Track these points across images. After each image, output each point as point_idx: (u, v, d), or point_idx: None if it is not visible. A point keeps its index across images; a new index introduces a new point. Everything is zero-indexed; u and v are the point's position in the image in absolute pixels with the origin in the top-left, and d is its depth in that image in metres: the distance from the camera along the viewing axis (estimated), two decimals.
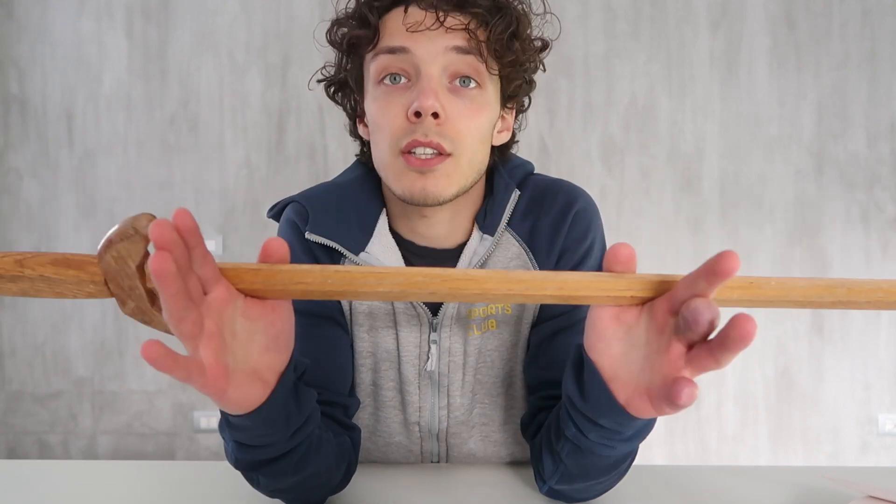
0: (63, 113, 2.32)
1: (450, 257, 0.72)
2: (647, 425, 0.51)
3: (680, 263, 2.31)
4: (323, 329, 0.70)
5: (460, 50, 0.62)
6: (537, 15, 0.70)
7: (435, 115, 0.61)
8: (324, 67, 0.74)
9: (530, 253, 0.73)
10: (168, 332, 0.41)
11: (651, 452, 2.29)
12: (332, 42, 0.69)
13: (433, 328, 0.72)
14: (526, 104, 0.76)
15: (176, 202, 2.31)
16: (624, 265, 0.42)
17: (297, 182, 2.30)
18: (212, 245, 2.30)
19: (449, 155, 0.63)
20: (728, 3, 2.30)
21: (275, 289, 0.41)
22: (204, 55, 2.31)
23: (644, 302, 0.42)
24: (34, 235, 2.32)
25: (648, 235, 2.31)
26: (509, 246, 0.73)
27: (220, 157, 2.32)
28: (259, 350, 0.43)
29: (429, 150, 0.62)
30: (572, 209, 0.73)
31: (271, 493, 0.59)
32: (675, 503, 0.66)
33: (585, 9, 2.29)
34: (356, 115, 0.75)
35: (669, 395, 0.37)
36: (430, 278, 0.40)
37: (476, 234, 0.72)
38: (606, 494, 0.66)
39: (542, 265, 0.72)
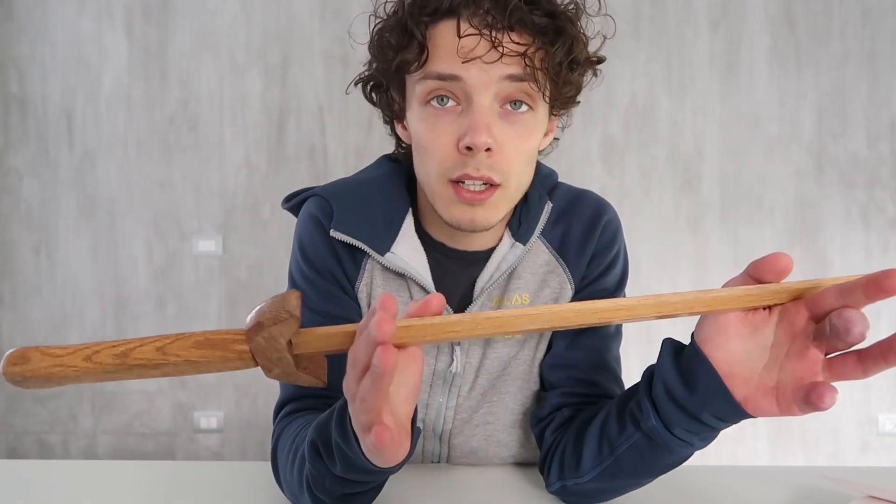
0: (63, 113, 2.32)
1: (478, 261, 0.72)
2: (717, 430, 0.50)
3: (680, 263, 2.31)
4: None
5: (514, 78, 0.60)
6: (590, 16, 0.66)
7: (487, 149, 0.60)
8: (363, 73, 0.71)
9: (561, 259, 0.73)
10: (308, 384, 0.43)
11: None
12: (374, 53, 0.66)
13: None
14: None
15: (176, 202, 2.31)
16: (776, 277, 0.43)
17: (297, 182, 2.30)
18: (211, 245, 2.30)
19: (498, 185, 0.62)
20: (728, 3, 2.30)
21: (422, 339, 0.42)
22: (204, 55, 2.31)
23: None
24: (34, 235, 2.32)
25: (648, 235, 2.31)
26: (539, 253, 0.73)
27: (220, 157, 2.32)
28: (402, 402, 0.44)
29: (478, 182, 0.61)
30: (602, 217, 0.75)
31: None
32: (675, 503, 0.66)
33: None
34: (394, 115, 0.72)
35: (809, 398, 0.39)
36: (580, 313, 0.41)
37: (507, 240, 0.72)
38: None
39: (573, 270, 0.73)
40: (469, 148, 0.59)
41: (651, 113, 2.32)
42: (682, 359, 0.49)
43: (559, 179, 0.80)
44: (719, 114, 2.31)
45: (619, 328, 0.76)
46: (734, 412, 0.45)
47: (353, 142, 2.31)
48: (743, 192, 2.31)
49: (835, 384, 0.39)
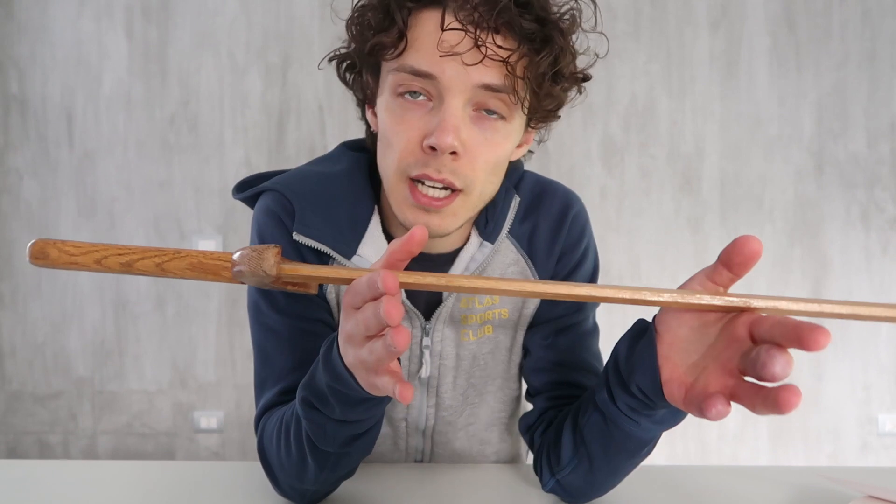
0: (63, 113, 2.32)
1: (445, 262, 0.70)
2: (674, 417, 0.52)
3: (680, 263, 2.31)
4: (312, 330, 0.68)
5: (492, 88, 0.56)
6: (585, 31, 0.62)
7: (452, 152, 0.57)
8: (338, 50, 0.66)
9: (528, 259, 0.72)
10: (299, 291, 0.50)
11: (651, 452, 2.29)
12: (351, 31, 0.62)
13: (426, 332, 0.70)
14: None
15: (176, 202, 2.31)
16: (743, 260, 0.42)
17: None
18: (211, 245, 2.30)
19: (459, 191, 0.59)
20: (728, 3, 2.30)
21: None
22: (204, 55, 2.31)
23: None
24: (34, 235, 2.32)
25: (648, 235, 2.31)
26: (507, 252, 0.71)
27: (220, 157, 2.32)
28: None
29: (438, 189, 0.58)
30: (570, 212, 0.73)
31: (317, 486, 0.61)
32: (675, 503, 0.66)
33: (586, 9, 2.28)
34: (366, 98, 0.69)
35: (702, 404, 0.39)
36: (499, 286, 0.44)
37: (475, 239, 0.70)
38: (607, 494, 0.66)
39: (541, 270, 0.71)
40: (433, 148, 0.56)
41: (651, 113, 2.32)
42: (637, 336, 0.51)
43: (541, 173, 0.78)
44: (719, 114, 2.31)
45: (595, 324, 0.75)
46: (655, 389, 0.47)
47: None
48: (743, 192, 2.31)
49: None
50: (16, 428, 2.35)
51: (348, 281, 0.45)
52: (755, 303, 0.42)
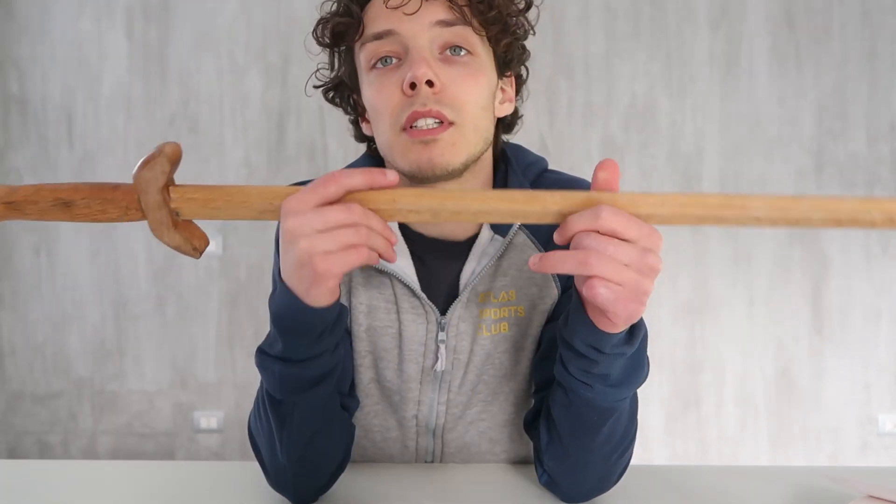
0: (63, 113, 2.32)
1: (460, 252, 0.71)
2: (628, 377, 0.55)
3: (679, 264, 2.31)
4: None
5: (445, 23, 0.62)
6: None
7: (430, 84, 0.60)
8: (317, 71, 0.73)
9: None
10: (180, 250, 0.50)
11: (651, 453, 2.29)
12: (319, 40, 0.69)
13: (441, 328, 0.71)
14: (525, 75, 0.75)
15: None
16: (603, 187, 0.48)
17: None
18: (211, 245, 2.30)
19: (452, 123, 0.62)
20: (728, 3, 2.30)
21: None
22: (204, 55, 2.32)
23: None
24: (34, 235, 2.32)
25: None
26: (526, 248, 0.71)
27: (220, 157, 2.32)
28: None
29: (430, 121, 0.61)
30: None
31: (287, 457, 0.61)
32: (675, 503, 0.66)
33: (585, 9, 2.29)
34: (357, 113, 0.74)
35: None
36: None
37: (486, 231, 0.70)
38: (607, 494, 0.66)
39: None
40: (413, 86, 0.60)
41: (651, 113, 2.32)
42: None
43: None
44: (719, 114, 2.31)
45: None
46: (593, 332, 0.51)
47: (353, 142, 2.29)
48: (743, 192, 2.31)
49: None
50: (16, 428, 2.35)
51: (249, 203, 0.47)
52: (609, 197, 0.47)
